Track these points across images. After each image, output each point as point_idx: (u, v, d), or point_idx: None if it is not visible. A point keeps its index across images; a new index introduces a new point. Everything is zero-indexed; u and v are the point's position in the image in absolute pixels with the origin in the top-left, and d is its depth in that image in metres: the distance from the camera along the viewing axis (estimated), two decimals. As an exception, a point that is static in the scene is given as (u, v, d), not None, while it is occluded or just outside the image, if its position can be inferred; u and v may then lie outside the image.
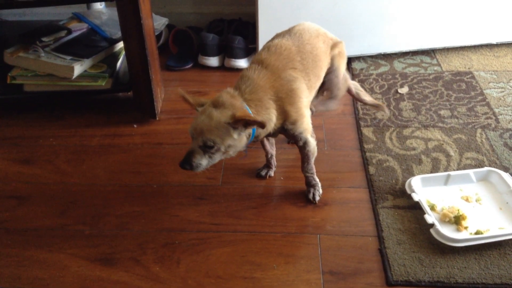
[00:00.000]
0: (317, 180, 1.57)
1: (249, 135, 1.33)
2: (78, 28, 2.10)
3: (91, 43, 2.00)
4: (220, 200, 1.57)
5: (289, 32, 1.51)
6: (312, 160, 1.53)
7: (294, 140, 1.48)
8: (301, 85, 1.40)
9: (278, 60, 1.39)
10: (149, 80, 1.85)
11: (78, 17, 2.17)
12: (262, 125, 1.26)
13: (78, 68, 1.88)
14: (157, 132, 1.89)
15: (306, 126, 1.44)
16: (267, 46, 1.46)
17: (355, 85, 1.78)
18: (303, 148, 1.49)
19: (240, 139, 1.31)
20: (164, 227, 1.48)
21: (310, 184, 1.57)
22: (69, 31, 2.05)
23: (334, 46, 1.57)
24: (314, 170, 1.56)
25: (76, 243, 1.43)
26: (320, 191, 1.57)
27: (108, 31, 2.07)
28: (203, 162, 1.30)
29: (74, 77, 1.88)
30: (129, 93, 1.99)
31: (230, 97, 1.31)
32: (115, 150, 1.81)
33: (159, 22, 2.22)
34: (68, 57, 1.90)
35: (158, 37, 2.34)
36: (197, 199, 1.57)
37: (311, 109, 1.60)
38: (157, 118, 1.95)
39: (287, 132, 1.43)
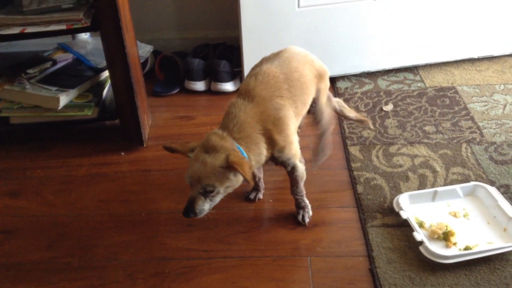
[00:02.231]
0: (307, 202, 1.58)
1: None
2: (63, 59, 2.11)
3: (76, 73, 2.01)
4: (210, 226, 1.56)
5: (277, 57, 1.51)
6: (301, 184, 1.54)
7: (283, 166, 1.48)
8: (288, 112, 1.42)
9: (265, 90, 1.40)
10: (135, 107, 1.86)
11: (63, 48, 2.18)
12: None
13: (64, 99, 1.88)
14: (145, 159, 1.89)
15: (294, 152, 1.45)
16: (254, 74, 1.46)
17: (338, 102, 1.79)
18: (291, 173, 1.50)
19: (237, 179, 1.33)
20: (154, 256, 1.47)
21: (299, 206, 1.57)
22: (54, 62, 2.06)
23: (320, 78, 1.58)
24: (304, 193, 1.56)
25: (65, 276, 1.42)
26: (310, 212, 1.57)
27: (93, 60, 2.08)
28: (206, 206, 1.32)
29: (59, 108, 1.88)
30: (116, 121, 2.00)
31: (219, 139, 1.32)
32: (103, 179, 1.80)
33: (144, 50, 2.24)
34: (54, 88, 1.90)
35: (144, 64, 2.35)
36: (186, 226, 1.57)
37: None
38: (145, 145, 1.96)
39: (275, 159, 1.44)
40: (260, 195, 1.67)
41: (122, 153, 1.93)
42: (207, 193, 1.30)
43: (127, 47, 1.75)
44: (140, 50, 2.20)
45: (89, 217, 1.63)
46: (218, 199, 1.34)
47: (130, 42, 1.80)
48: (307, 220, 1.55)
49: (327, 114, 1.65)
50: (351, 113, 1.82)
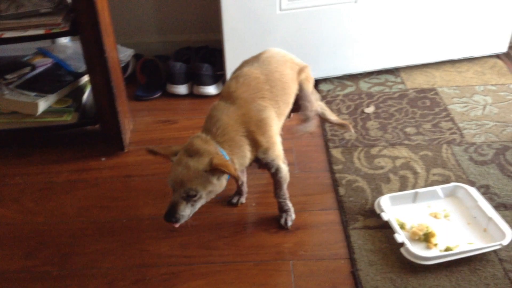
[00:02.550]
0: (290, 205, 1.58)
1: (227, 176, 1.34)
2: (43, 63, 2.08)
3: (55, 78, 1.99)
4: (192, 232, 1.55)
5: (257, 59, 1.52)
6: (285, 186, 1.54)
7: (267, 168, 1.48)
8: (270, 113, 1.42)
9: (246, 92, 1.40)
10: (116, 112, 1.84)
11: (43, 52, 2.15)
12: (236, 178, 1.28)
13: (43, 104, 1.86)
14: (126, 164, 1.88)
15: (278, 153, 1.45)
16: (235, 76, 1.47)
17: (320, 105, 1.79)
18: (275, 175, 1.49)
19: (220, 183, 1.32)
20: (134, 263, 1.45)
21: (282, 210, 1.57)
22: (33, 67, 2.03)
23: (300, 71, 1.59)
24: (287, 196, 1.56)
25: (44, 285, 1.40)
26: (293, 216, 1.57)
27: (73, 65, 2.05)
28: (187, 211, 1.30)
29: (38, 113, 1.85)
30: (96, 126, 1.97)
31: (203, 143, 1.31)
32: (83, 185, 1.78)
33: (125, 53, 2.22)
34: (33, 94, 1.88)
35: (125, 67, 2.34)
36: (167, 232, 1.55)
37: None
38: (126, 150, 1.94)
39: (259, 161, 1.44)
40: (243, 199, 1.67)
41: (103, 159, 1.91)
42: (189, 197, 1.29)
43: (107, 51, 1.74)
44: (120, 54, 2.18)
45: (69, 225, 1.61)
46: (200, 204, 1.33)
47: (110, 46, 1.79)
48: (289, 223, 1.55)
49: (314, 112, 1.64)
50: (332, 116, 1.83)
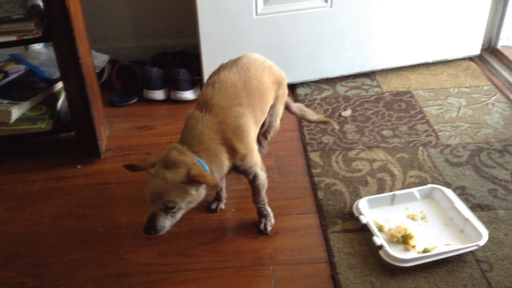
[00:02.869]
0: (269, 210, 1.57)
1: (207, 185, 1.32)
2: (16, 70, 2.04)
3: (29, 85, 1.95)
4: (170, 239, 1.53)
5: (235, 64, 1.50)
6: (263, 192, 1.53)
7: (244, 174, 1.47)
8: (248, 120, 1.41)
9: (223, 99, 1.39)
10: (91, 118, 1.82)
11: (16, 59, 2.11)
12: (216, 186, 1.26)
13: (16, 112, 1.83)
14: (102, 171, 1.85)
15: (255, 160, 1.44)
16: (212, 82, 1.44)
17: (299, 107, 1.79)
18: (253, 182, 1.49)
19: (198, 193, 1.30)
20: (112, 272, 1.43)
21: (261, 215, 1.57)
22: (6, 74, 2.00)
23: (278, 85, 1.59)
24: (266, 201, 1.56)
25: (19, 297, 1.37)
26: (272, 221, 1.57)
27: (47, 71, 2.02)
28: (167, 223, 1.29)
29: (12, 121, 1.82)
30: (71, 133, 1.94)
31: (179, 154, 1.29)
32: (59, 193, 1.75)
33: (100, 59, 2.20)
34: (5, 101, 1.84)
35: (100, 73, 2.31)
36: (146, 240, 1.53)
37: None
38: (102, 157, 1.91)
39: (237, 168, 1.43)
40: (222, 205, 1.66)
41: (79, 166, 1.88)
42: (168, 209, 1.27)
43: (81, 57, 1.71)
44: (95, 60, 2.15)
45: (44, 234, 1.58)
46: (179, 215, 1.31)
47: (84, 52, 1.76)
48: (269, 228, 1.55)
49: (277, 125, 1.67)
50: (313, 116, 1.82)
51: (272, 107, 1.59)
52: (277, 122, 1.67)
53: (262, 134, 1.69)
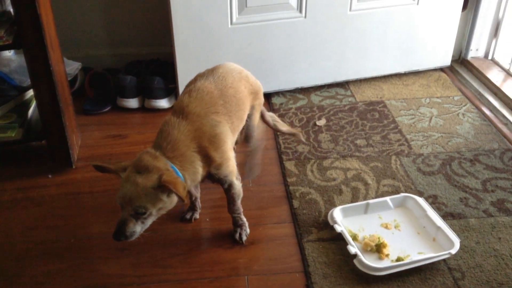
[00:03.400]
0: (244, 219, 1.57)
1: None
2: (-16, 77, 1.99)
3: (-2, 93, 1.91)
4: (143, 250, 1.51)
5: (212, 73, 1.50)
6: (238, 201, 1.53)
7: (219, 183, 1.46)
8: (224, 128, 1.40)
9: (199, 106, 1.38)
10: (62, 127, 1.78)
11: (-16, 66, 2.06)
12: (183, 200, 1.24)
13: (-15, 120, 1.78)
14: (74, 181, 1.81)
15: (231, 169, 1.43)
16: (188, 91, 1.44)
17: (272, 117, 1.80)
18: (228, 191, 1.48)
19: (170, 200, 1.29)
20: (84, 284, 1.40)
21: (237, 224, 1.56)
22: (-26, 81, 1.95)
23: (255, 95, 1.59)
24: (241, 210, 1.55)
25: (-15, 312, 1.33)
26: (247, 230, 1.56)
27: (18, 78, 1.98)
28: (137, 229, 1.27)
29: (-20, 129, 1.77)
30: (42, 142, 1.90)
31: (152, 159, 1.27)
32: (29, 204, 1.70)
33: (72, 67, 2.17)
34: (-26, 109, 1.79)
35: (73, 81, 2.27)
36: (118, 251, 1.51)
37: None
38: (74, 166, 1.87)
39: (212, 177, 1.42)
40: (197, 215, 1.65)
41: (50, 176, 1.83)
42: (138, 215, 1.25)
43: (53, 64, 1.68)
44: (67, 68, 2.12)
45: (13, 245, 1.54)
46: (150, 221, 1.29)
47: (56, 60, 1.73)
48: (244, 238, 1.54)
49: (259, 132, 1.66)
50: (284, 127, 1.84)
51: (249, 116, 1.59)
52: (255, 132, 1.66)
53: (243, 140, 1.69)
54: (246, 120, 1.58)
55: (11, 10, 1.70)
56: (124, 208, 1.25)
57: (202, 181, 1.43)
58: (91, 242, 1.55)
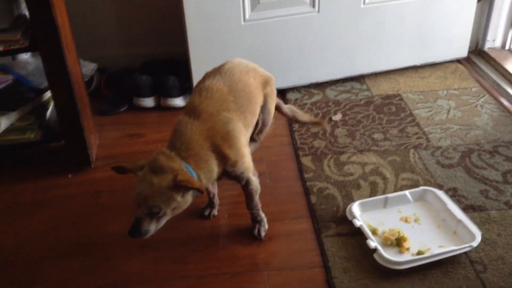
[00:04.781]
0: (262, 215, 1.57)
1: (193, 192, 1.31)
2: (3, 80, 2.02)
3: (17, 95, 1.94)
4: (164, 246, 1.52)
5: (219, 71, 1.50)
6: (256, 197, 1.52)
7: (237, 180, 1.46)
8: (237, 125, 1.40)
9: (210, 105, 1.38)
10: (80, 128, 1.80)
11: (3, 69, 2.09)
12: (201, 191, 1.26)
13: (4, 123, 1.81)
14: (93, 180, 1.83)
15: (247, 165, 1.43)
16: (198, 90, 1.45)
17: (290, 109, 1.78)
18: (245, 187, 1.48)
19: (185, 200, 1.29)
20: (106, 282, 1.42)
21: (255, 220, 1.56)
22: (-7, 84, 1.98)
23: (265, 83, 1.58)
24: (259, 206, 1.55)
25: (10, 311, 1.35)
26: (266, 226, 1.56)
27: (35, 81, 2.00)
28: (152, 227, 1.28)
29: (0, 132, 1.80)
30: (61, 142, 1.92)
31: (167, 159, 1.28)
32: (50, 204, 1.73)
33: (88, 68, 2.19)
34: (-7, 112, 1.82)
35: (89, 82, 2.29)
36: (140, 248, 1.52)
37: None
38: (93, 166, 1.89)
39: (228, 174, 1.42)
40: (215, 212, 1.65)
41: (69, 176, 1.86)
42: (153, 214, 1.26)
43: (69, 66, 1.70)
44: (83, 69, 2.14)
45: (35, 245, 1.56)
46: (164, 220, 1.30)
47: (72, 61, 1.75)
48: (263, 234, 1.54)
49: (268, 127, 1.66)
50: (304, 117, 1.82)
51: (263, 106, 1.58)
52: (270, 120, 1.65)
53: (257, 133, 1.68)
54: (261, 110, 1.58)
55: (27, 13, 1.72)
56: (140, 207, 1.27)
57: (220, 179, 1.44)
58: (112, 240, 1.56)
